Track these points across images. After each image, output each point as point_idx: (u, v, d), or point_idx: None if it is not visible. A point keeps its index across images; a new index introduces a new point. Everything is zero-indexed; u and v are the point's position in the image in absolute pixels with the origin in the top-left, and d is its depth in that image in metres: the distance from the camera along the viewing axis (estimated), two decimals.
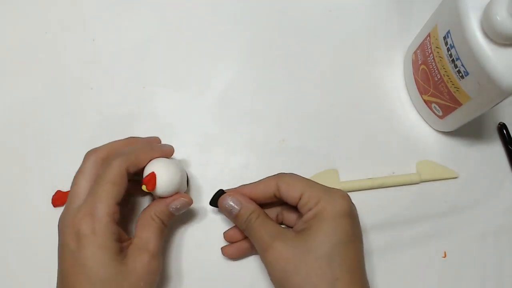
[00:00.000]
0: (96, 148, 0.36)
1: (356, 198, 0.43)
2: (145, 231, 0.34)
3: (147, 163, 0.35)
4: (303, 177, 0.37)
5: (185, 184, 0.38)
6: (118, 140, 0.37)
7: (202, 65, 0.47)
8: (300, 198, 0.34)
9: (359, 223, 0.35)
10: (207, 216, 0.42)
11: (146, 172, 0.35)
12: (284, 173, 0.37)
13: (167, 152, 0.37)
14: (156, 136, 0.40)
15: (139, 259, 0.32)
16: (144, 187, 0.34)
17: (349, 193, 0.43)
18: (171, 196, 0.36)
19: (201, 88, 0.46)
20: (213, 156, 0.44)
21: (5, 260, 0.40)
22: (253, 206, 0.36)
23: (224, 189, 0.38)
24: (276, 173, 0.38)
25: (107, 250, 0.31)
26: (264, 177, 0.43)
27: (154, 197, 0.37)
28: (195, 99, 0.46)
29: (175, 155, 0.39)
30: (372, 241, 0.42)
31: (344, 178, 0.43)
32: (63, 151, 0.43)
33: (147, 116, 0.45)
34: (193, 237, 0.41)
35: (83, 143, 0.43)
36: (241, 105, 0.46)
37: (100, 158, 0.35)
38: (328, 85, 0.47)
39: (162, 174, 0.34)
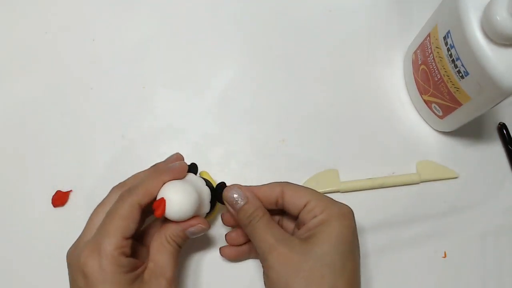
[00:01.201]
0: (122, 182, 0.35)
1: (356, 198, 0.43)
2: (160, 255, 0.33)
3: (161, 188, 0.33)
4: (308, 187, 0.36)
5: (206, 204, 0.36)
6: (143, 171, 0.36)
7: (202, 65, 0.47)
8: (305, 206, 0.34)
9: (357, 237, 0.35)
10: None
11: (158, 197, 0.33)
12: (289, 182, 0.37)
13: (177, 173, 0.34)
14: (177, 152, 0.38)
15: (156, 286, 0.32)
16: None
17: (349, 193, 0.43)
18: (187, 220, 0.34)
19: (201, 88, 0.46)
20: (213, 156, 0.44)
21: (5, 259, 0.40)
22: (259, 203, 0.35)
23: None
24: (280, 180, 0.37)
25: (116, 285, 0.30)
26: (265, 176, 0.43)
27: None
28: (195, 99, 0.46)
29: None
30: (372, 241, 0.42)
31: (344, 178, 0.43)
32: (63, 151, 0.43)
33: (147, 116, 0.45)
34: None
35: (83, 143, 0.44)
36: (241, 105, 0.46)
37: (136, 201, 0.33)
38: (328, 85, 0.47)
39: (173, 198, 0.32)
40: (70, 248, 0.33)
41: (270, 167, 0.44)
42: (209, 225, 0.35)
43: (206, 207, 0.36)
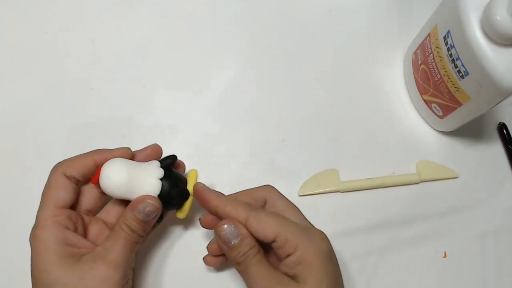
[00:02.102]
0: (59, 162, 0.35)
1: (356, 198, 0.43)
2: (109, 240, 0.32)
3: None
4: (277, 214, 0.33)
5: (144, 192, 0.34)
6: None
7: (202, 65, 0.47)
8: (274, 240, 0.31)
9: (338, 264, 0.33)
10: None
11: None
12: (262, 191, 0.35)
13: (115, 153, 0.35)
14: (155, 143, 0.38)
15: (91, 267, 0.30)
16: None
17: (349, 193, 0.43)
18: (130, 199, 0.33)
19: (201, 88, 0.46)
20: (213, 156, 0.44)
21: (6, 259, 0.40)
22: (253, 241, 0.32)
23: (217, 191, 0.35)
24: (258, 186, 0.36)
25: (48, 254, 0.30)
26: (265, 177, 0.43)
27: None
28: (195, 99, 0.46)
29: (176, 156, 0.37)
30: (372, 241, 0.42)
31: (344, 178, 0.43)
32: (63, 151, 0.43)
33: (147, 116, 0.45)
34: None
35: (83, 143, 0.44)
36: (241, 105, 0.46)
37: (61, 171, 0.34)
38: (328, 85, 0.47)
39: (104, 171, 0.33)
40: None
41: (270, 167, 0.44)
42: (158, 201, 0.33)
43: (151, 192, 0.34)
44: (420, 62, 0.43)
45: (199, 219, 0.36)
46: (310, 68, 0.47)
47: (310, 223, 0.35)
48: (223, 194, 0.35)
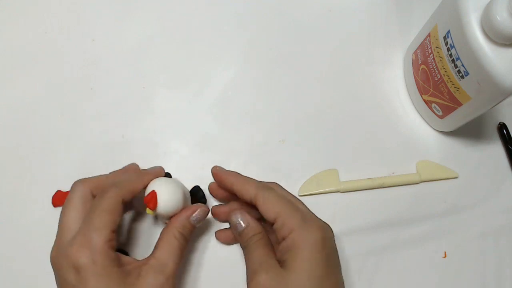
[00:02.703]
0: (85, 178, 0.36)
1: (356, 198, 0.43)
2: (164, 252, 0.34)
3: (147, 186, 0.36)
4: (284, 196, 0.35)
5: (188, 201, 0.38)
6: (113, 172, 0.38)
7: (202, 65, 0.47)
8: (275, 221, 0.34)
9: (336, 254, 0.34)
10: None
11: (147, 192, 0.35)
12: (268, 185, 0.37)
13: (158, 173, 0.38)
14: (133, 163, 0.41)
15: (153, 282, 0.32)
16: (147, 210, 0.34)
17: (349, 193, 0.43)
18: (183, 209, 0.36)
19: (201, 88, 0.46)
20: (213, 156, 0.44)
21: (6, 259, 0.40)
22: (258, 228, 0.35)
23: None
24: (263, 182, 0.37)
25: (110, 278, 0.31)
26: (265, 177, 0.43)
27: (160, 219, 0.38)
28: (195, 99, 0.46)
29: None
30: (372, 241, 0.42)
31: (344, 178, 0.43)
32: (63, 151, 0.43)
33: (147, 117, 0.45)
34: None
35: (83, 143, 0.44)
36: (241, 105, 0.46)
37: (88, 189, 0.35)
38: (328, 85, 0.47)
39: (163, 191, 0.34)
40: (52, 251, 0.33)
41: (270, 167, 0.44)
42: (207, 207, 0.37)
43: (189, 204, 0.38)
44: (420, 62, 0.43)
45: (212, 208, 0.40)
46: (310, 68, 0.47)
47: (314, 214, 0.36)
48: (238, 173, 0.38)
